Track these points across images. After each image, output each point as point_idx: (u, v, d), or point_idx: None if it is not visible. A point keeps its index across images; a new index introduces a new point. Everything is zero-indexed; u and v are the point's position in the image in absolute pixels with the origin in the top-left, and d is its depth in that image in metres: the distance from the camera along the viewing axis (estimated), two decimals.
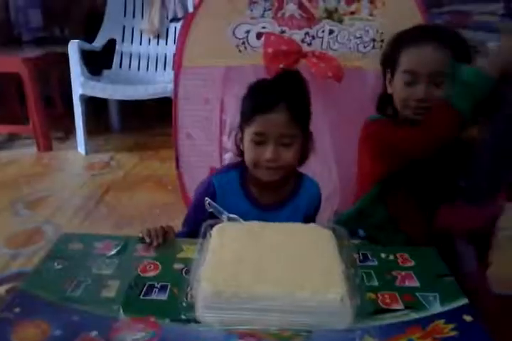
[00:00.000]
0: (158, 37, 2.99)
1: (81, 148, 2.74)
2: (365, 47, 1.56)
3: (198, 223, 0.94)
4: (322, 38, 1.57)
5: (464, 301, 0.82)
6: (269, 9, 1.54)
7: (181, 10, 2.91)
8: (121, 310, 0.76)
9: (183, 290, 0.78)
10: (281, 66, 1.52)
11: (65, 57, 2.61)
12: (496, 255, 1.70)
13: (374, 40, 1.55)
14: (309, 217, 1.13)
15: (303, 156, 1.07)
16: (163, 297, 0.80)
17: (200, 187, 1.12)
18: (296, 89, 1.02)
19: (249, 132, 1.01)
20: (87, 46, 2.77)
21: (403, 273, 0.89)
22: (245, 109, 1.03)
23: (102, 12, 2.98)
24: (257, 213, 1.07)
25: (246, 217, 1.02)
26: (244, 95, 1.06)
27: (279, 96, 0.98)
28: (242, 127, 1.05)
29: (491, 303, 1.05)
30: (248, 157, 1.03)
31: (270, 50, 1.51)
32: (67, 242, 0.97)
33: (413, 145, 1.05)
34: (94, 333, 0.71)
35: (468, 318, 0.77)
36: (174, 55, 1.73)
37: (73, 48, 2.58)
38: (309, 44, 1.57)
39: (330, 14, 1.55)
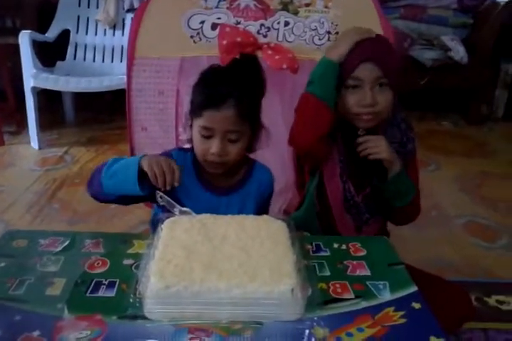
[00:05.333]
0: (114, 27, 2.90)
1: (34, 143, 2.64)
2: (320, 39, 1.56)
3: None
4: (278, 29, 1.56)
5: (413, 289, 0.83)
6: (224, 0, 1.53)
7: (137, 0, 2.84)
8: (66, 309, 0.73)
9: (132, 286, 0.76)
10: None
11: (16, 49, 2.52)
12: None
13: (329, 32, 1.55)
14: (262, 203, 1.13)
15: (249, 149, 1.08)
16: (111, 294, 0.78)
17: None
18: (249, 79, 1.01)
19: (197, 124, 1.01)
20: (39, 37, 2.68)
21: (355, 262, 0.90)
22: (195, 100, 1.02)
23: (56, 2, 2.88)
24: (209, 197, 1.06)
25: (198, 200, 1.03)
26: (196, 82, 1.04)
27: (228, 91, 0.97)
28: (191, 116, 1.04)
29: None
30: (196, 149, 1.04)
31: (225, 42, 1.49)
32: (11, 239, 0.93)
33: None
34: (36, 333, 0.69)
35: (417, 305, 0.79)
36: None
37: (24, 39, 2.49)
38: (265, 36, 1.56)
39: (285, 6, 1.55)
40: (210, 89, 1.00)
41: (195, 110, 1.01)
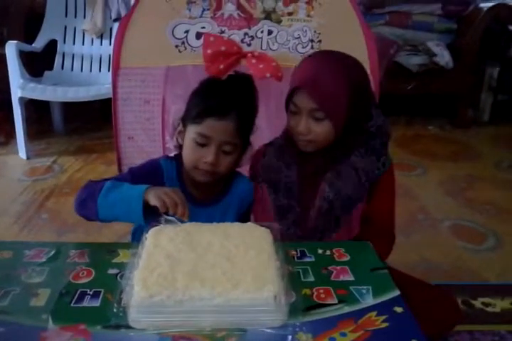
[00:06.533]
0: (101, 37, 2.91)
1: (22, 153, 2.63)
2: (303, 47, 1.58)
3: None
4: (261, 38, 1.58)
5: (395, 293, 0.84)
6: (208, 9, 1.54)
7: (125, 9, 2.84)
8: (50, 319, 0.74)
9: (117, 295, 0.76)
10: (221, 67, 1.52)
11: (3, 59, 2.51)
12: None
13: (312, 40, 1.57)
14: (243, 213, 1.14)
15: (236, 164, 1.09)
16: (96, 304, 0.78)
17: (146, 167, 1.08)
18: (248, 97, 1.04)
19: (193, 130, 1.01)
20: (26, 47, 2.68)
21: (339, 267, 0.91)
22: (194, 107, 1.02)
23: (42, 12, 2.88)
24: (191, 208, 1.06)
25: None
26: (195, 90, 1.05)
27: (232, 103, 0.99)
28: (185, 122, 1.04)
29: None
30: (188, 157, 1.03)
31: (209, 51, 1.51)
32: None
33: None
34: None
35: (399, 310, 0.80)
36: None
37: (11, 49, 2.49)
38: (249, 44, 1.58)
39: (268, 15, 1.56)
40: (213, 98, 1.00)
41: (194, 117, 1.01)
